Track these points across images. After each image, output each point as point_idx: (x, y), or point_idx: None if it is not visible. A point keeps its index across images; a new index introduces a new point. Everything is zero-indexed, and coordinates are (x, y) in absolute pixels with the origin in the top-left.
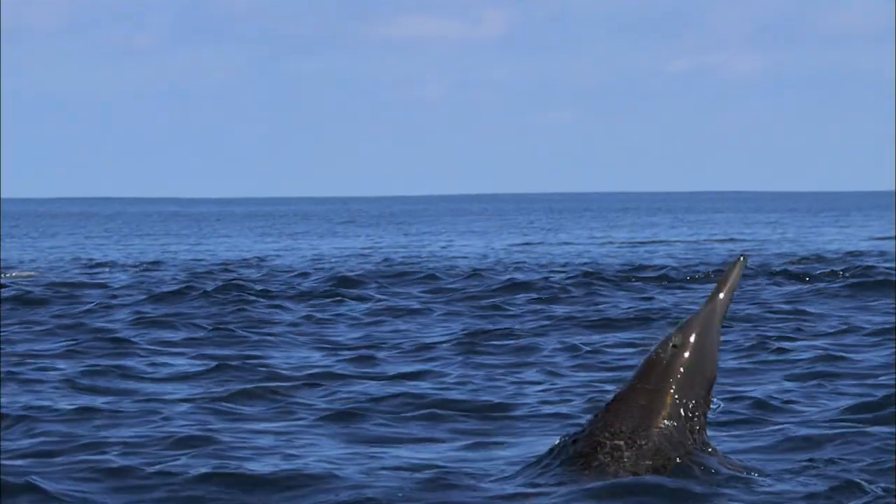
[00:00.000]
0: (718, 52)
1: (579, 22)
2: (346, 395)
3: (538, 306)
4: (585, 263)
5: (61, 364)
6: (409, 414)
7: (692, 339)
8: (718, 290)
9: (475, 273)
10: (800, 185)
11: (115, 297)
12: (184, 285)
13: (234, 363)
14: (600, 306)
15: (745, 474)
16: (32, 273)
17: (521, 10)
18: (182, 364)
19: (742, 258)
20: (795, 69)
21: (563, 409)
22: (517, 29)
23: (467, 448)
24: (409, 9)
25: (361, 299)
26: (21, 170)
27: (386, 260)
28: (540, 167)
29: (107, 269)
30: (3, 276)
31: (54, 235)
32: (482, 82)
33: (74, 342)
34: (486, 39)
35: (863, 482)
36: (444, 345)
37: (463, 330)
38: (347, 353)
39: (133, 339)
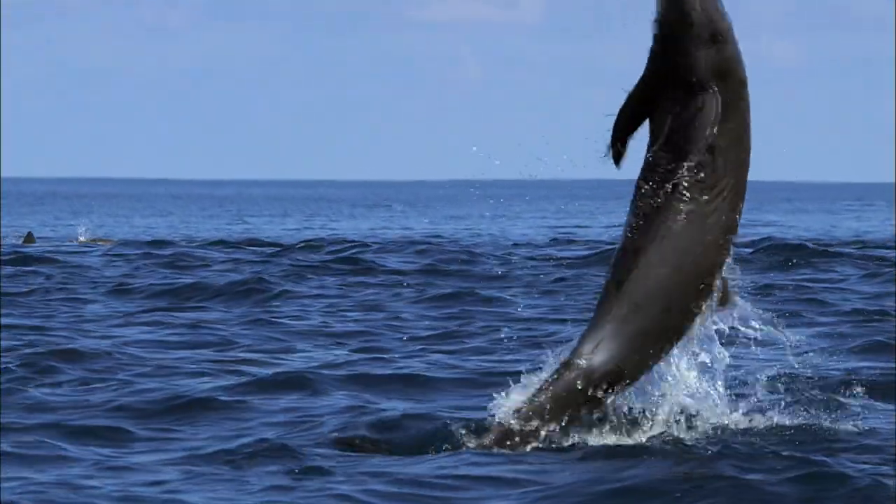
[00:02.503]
0: (754, 39)
1: (616, 6)
2: None
3: None
4: None
5: None
6: None
7: None
8: None
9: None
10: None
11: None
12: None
13: None
14: None
15: None
16: (108, 241)
17: None
18: None
19: None
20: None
21: None
22: (554, 13)
23: None
24: None
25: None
26: (32, 149)
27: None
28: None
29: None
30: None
31: (168, 215)
32: (520, 64)
33: None
34: (522, 23)
35: None
36: None
37: None
38: None
39: None
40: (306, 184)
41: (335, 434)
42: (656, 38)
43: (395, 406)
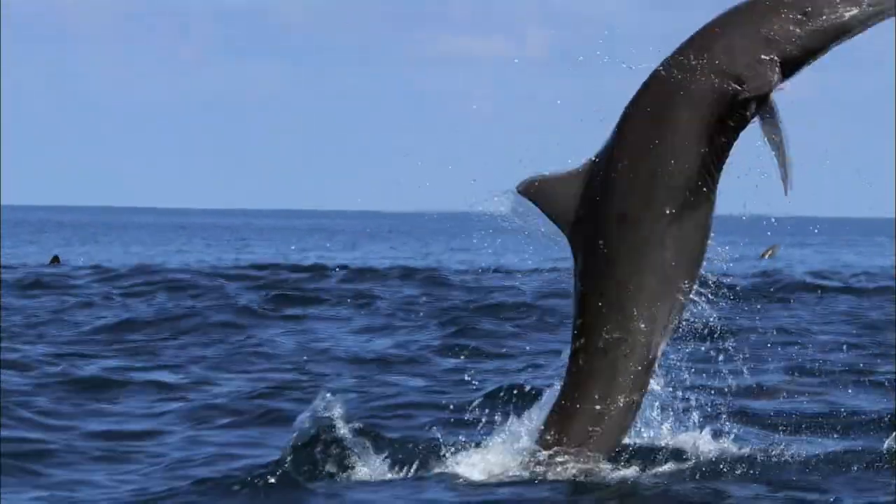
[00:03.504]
0: None
1: (622, 41)
2: None
3: None
4: None
5: None
6: None
7: None
8: None
9: None
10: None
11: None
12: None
13: None
14: None
15: None
16: None
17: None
18: None
19: None
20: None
21: None
22: (561, 48)
23: None
24: (455, 27)
25: None
26: (36, 177)
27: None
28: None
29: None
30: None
31: (214, 244)
32: (528, 99)
33: None
34: (531, 58)
35: None
36: None
37: None
38: None
39: None
40: (313, 214)
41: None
42: None
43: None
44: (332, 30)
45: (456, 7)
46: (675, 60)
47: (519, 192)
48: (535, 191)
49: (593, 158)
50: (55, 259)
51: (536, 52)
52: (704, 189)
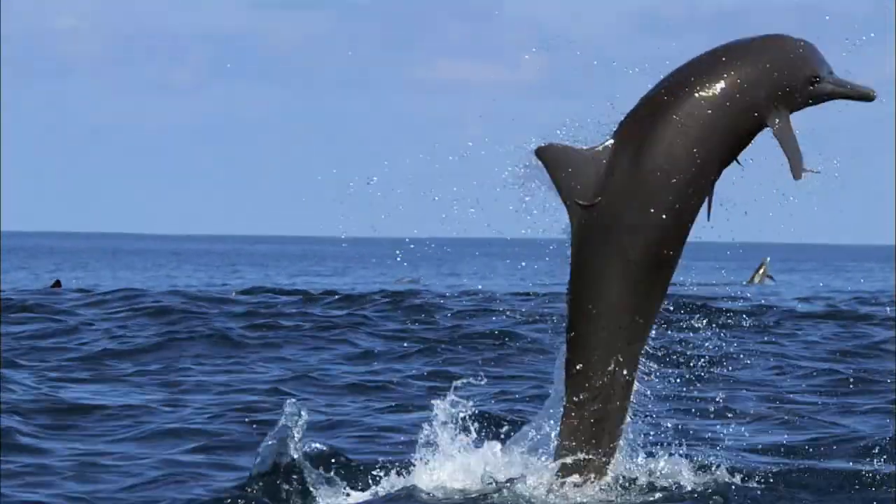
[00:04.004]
0: None
1: (611, 68)
2: None
3: None
4: None
5: None
6: None
7: None
8: None
9: None
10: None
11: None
12: None
13: None
14: None
15: None
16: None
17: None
18: None
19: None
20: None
21: None
22: (554, 73)
23: None
24: (449, 52)
25: None
26: (34, 204)
27: None
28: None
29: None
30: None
31: (203, 269)
32: (522, 123)
33: None
34: (524, 82)
35: None
36: None
37: None
38: None
39: None
40: (308, 240)
41: None
42: None
43: None
44: (327, 55)
45: (452, 32)
46: (697, 77)
47: (536, 153)
48: (551, 156)
49: (611, 144)
50: (56, 283)
51: (530, 76)
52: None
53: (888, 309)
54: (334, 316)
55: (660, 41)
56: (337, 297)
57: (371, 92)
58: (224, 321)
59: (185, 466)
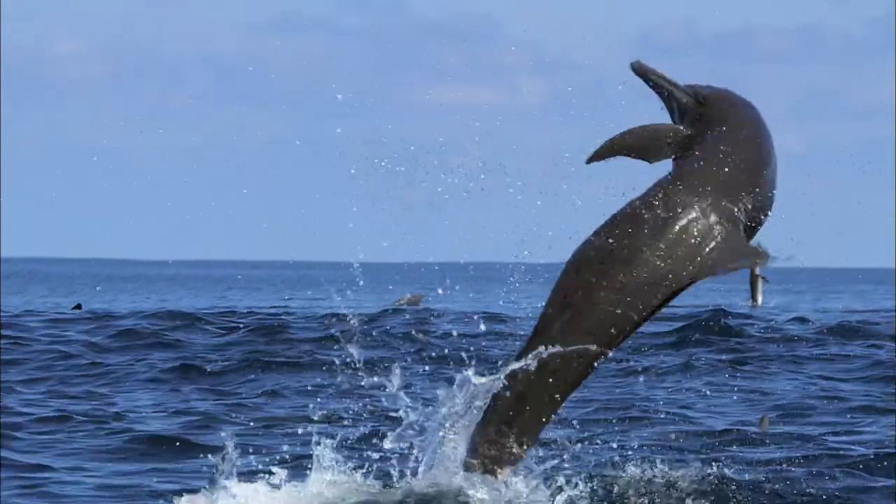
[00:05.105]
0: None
1: (612, 93)
2: None
3: None
4: None
5: None
6: None
7: None
8: None
9: None
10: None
11: None
12: None
13: None
14: None
15: None
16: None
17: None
18: None
19: None
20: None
21: None
22: (553, 98)
23: None
24: (448, 76)
25: None
26: (31, 229)
27: None
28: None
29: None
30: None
31: (194, 291)
32: (522, 147)
33: None
34: (524, 106)
35: None
36: None
37: None
38: None
39: None
40: (311, 265)
41: None
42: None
43: None
44: (324, 78)
45: (448, 56)
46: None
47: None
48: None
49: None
50: (77, 307)
51: (529, 100)
52: None
53: None
54: (321, 337)
55: (661, 62)
56: (328, 317)
57: (368, 114)
58: (202, 340)
59: (134, 476)
